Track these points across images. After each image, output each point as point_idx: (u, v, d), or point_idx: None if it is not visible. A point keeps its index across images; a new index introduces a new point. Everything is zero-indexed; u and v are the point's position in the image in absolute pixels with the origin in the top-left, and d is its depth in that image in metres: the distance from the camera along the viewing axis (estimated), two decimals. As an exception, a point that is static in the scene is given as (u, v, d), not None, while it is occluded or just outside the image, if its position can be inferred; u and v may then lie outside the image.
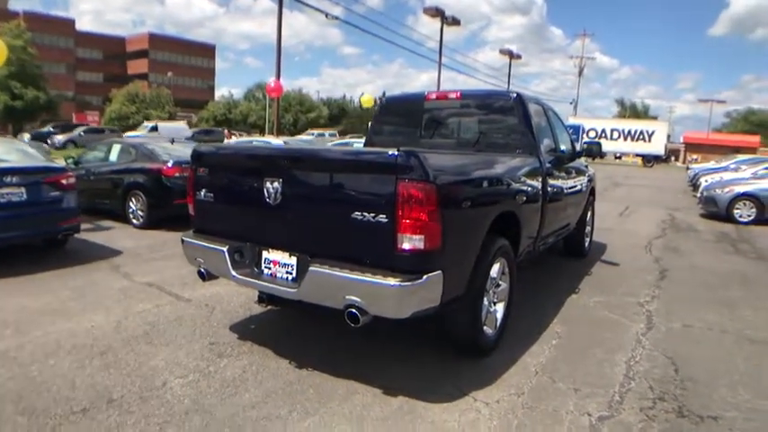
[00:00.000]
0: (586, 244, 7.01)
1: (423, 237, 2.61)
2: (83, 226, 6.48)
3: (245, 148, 3.70)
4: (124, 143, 9.09)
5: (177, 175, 7.89)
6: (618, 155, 43.82)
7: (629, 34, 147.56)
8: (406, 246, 2.63)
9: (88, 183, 8.43)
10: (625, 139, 41.31)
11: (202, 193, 3.48)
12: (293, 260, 3.06)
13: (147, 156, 8.28)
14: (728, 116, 70.43)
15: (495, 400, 3.00)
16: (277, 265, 3.14)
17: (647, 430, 2.81)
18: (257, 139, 17.75)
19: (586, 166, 6.71)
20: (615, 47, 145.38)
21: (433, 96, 5.02)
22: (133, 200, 8.13)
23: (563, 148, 5.58)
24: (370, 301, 2.68)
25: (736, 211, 10.94)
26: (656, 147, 40.87)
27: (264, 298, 3.22)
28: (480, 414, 2.84)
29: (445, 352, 3.62)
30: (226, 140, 27.82)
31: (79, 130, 32.47)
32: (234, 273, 3.22)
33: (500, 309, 3.72)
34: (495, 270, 3.48)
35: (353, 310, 2.70)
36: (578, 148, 6.17)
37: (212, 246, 3.34)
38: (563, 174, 5.33)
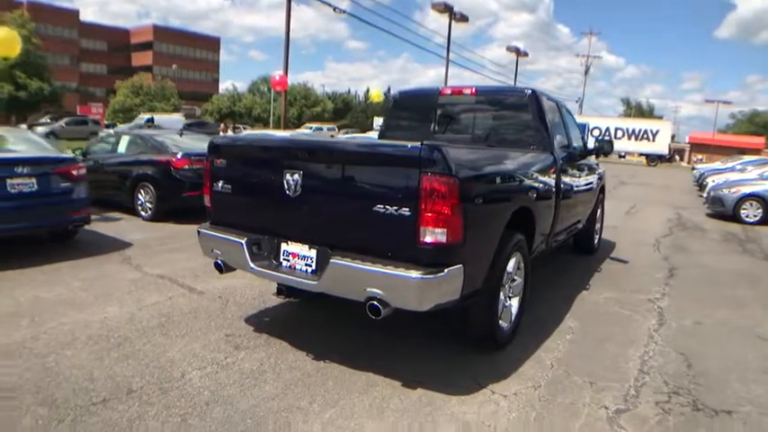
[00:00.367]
0: (596, 241, 7.02)
1: (445, 230, 2.62)
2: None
3: (264, 140, 3.69)
4: (133, 135, 9.09)
5: (186, 167, 7.90)
6: (622, 154, 43.67)
7: (636, 33, 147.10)
8: (429, 239, 2.64)
9: (96, 174, 8.42)
10: (629, 137, 41.15)
11: (220, 185, 3.48)
12: (312, 252, 3.08)
13: (157, 148, 8.29)
14: (733, 117, 70.30)
15: (513, 393, 3.02)
16: (296, 258, 3.15)
17: (663, 423, 2.82)
18: (263, 133, 17.69)
19: (597, 164, 6.70)
20: (621, 46, 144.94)
21: (448, 91, 5.01)
22: (142, 192, 8.14)
23: (575, 144, 5.58)
24: (391, 294, 2.69)
25: (742, 212, 10.92)
26: (660, 146, 40.73)
27: (284, 290, 3.22)
28: (499, 406, 2.86)
29: (460, 346, 3.63)
30: (221, 134, 27.58)
31: (61, 122, 30.25)
32: (252, 265, 3.23)
33: (515, 303, 3.73)
34: (511, 265, 3.49)
35: (375, 303, 2.71)
36: (590, 145, 6.16)
37: (230, 238, 3.35)
38: (575, 171, 5.33)
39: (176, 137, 8.93)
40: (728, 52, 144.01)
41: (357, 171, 2.89)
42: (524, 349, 3.67)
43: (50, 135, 25.48)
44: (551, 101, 5.13)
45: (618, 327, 4.31)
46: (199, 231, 3.66)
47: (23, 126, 27.19)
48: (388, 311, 2.73)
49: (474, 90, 4.85)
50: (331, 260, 2.87)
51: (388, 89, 66.36)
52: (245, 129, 34.41)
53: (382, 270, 2.69)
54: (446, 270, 2.68)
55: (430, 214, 2.60)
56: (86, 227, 6.42)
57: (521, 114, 4.65)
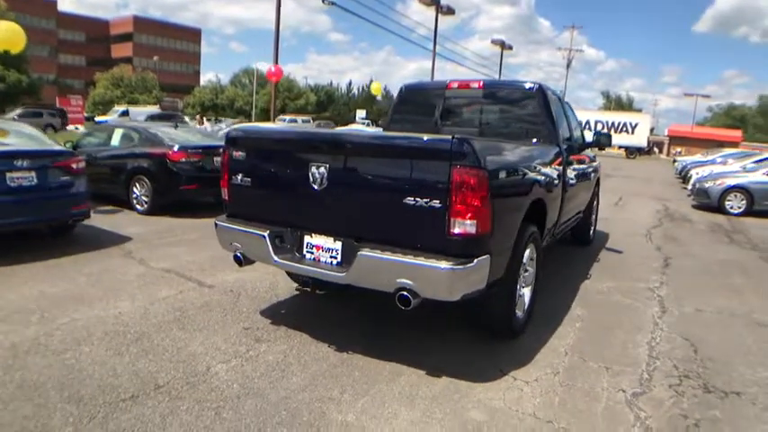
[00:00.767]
0: (591, 232, 7.17)
1: (475, 222, 2.68)
2: (85, 212, 6.37)
3: (288, 131, 3.68)
4: (126, 127, 8.94)
5: (183, 160, 7.82)
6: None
7: (616, 27, 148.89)
8: (459, 230, 2.70)
9: (89, 168, 8.26)
10: (609, 130, 41.77)
11: (239, 178, 3.47)
12: (337, 245, 3.10)
13: (151, 140, 8.18)
14: (710, 111, 71.91)
15: (534, 379, 3.12)
16: (320, 250, 3.17)
17: (678, 405, 2.94)
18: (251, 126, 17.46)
19: (594, 157, 6.84)
20: (602, 39, 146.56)
21: (455, 85, 5.06)
22: (137, 185, 8.03)
23: (576, 137, 5.69)
24: (422, 284, 2.74)
25: (727, 203, 11.24)
26: (640, 139, 41.53)
27: (309, 282, 3.23)
28: (522, 392, 2.95)
29: (476, 335, 3.72)
30: (197, 126, 26.76)
31: (13, 113, 28.03)
32: (276, 258, 3.23)
33: (527, 293, 3.82)
34: (526, 255, 3.57)
35: (405, 293, 2.75)
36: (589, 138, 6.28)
37: (252, 231, 3.35)
38: (577, 163, 5.44)
39: (171, 129, 8.82)
40: (706, 47, 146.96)
41: (386, 164, 2.92)
42: (538, 337, 3.76)
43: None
44: (554, 95, 5.22)
45: (623, 314, 4.44)
46: (216, 224, 3.65)
47: None
48: (417, 302, 2.78)
49: (481, 84, 4.91)
50: (360, 252, 2.90)
51: (371, 81, 66.10)
52: (219, 122, 33.10)
53: (414, 261, 2.73)
54: (475, 261, 2.74)
55: (460, 206, 2.66)
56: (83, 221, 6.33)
57: (528, 108, 4.73)
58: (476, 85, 4.94)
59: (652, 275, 5.81)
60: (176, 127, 9.17)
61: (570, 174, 4.99)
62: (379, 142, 3.06)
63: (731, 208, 11.18)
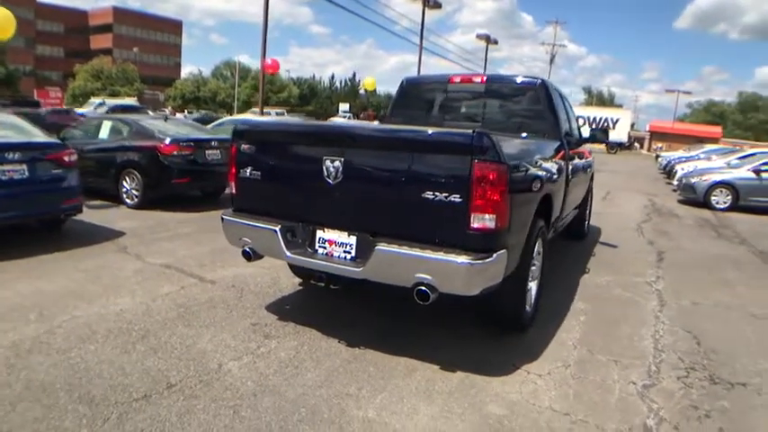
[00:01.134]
0: (586, 226, 7.25)
1: (494, 216, 2.67)
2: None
3: (300, 124, 3.62)
4: (116, 120, 8.74)
5: (176, 153, 7.69)
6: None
7: (598, 23, 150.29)
8: (478, 225, 2.69)
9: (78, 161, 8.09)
10: (590, 125, 42.28)
11: (248, 171, 3.40)
12: (352, 239, 3.07)
13: (142, 133, 8.01)
14: (690, 107, 73.21)
15: (547, 372, 3.14)
16: (333, 245, 3.13)
17: (688, 396, 3.00)
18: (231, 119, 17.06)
19: (590, 152, 6.90)
20: (583, 35, 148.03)
21: (457, 79, 5.04)
22: (127, 179, 7.86)
23: (574, 132, 5.73)
24: (441, 279, 2.73)
25: (713, 198, 11.47)
26: (620, 134, 42.14)
27: (324, 278, 3.18)
28: (537, 385, 2.97)
29: (484, 329, 3.73)
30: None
31: None
32: (288, 253, 3.18)
33: (534, 287, 3.84)
34: (536, 250, 3.58)
35: (423, 288, 2.74)
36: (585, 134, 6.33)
37: (263, 225, 3.29)
38: (576, 157, 5.47)
39: (161, 122, 8.65)
40: (686, 43, 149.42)
41: (404, 158, 2.88)
42: (545, 331, 3.79)
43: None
44: (556, 90, 5.24)
45: (624, 308, 4.50)
46: (223, 218, 3.58)
47: None
48: (435, 297, 2.77)
49: (484, 78, 4.91)
50: (377, 247, 2.87)
51: (353, 74, 65.82)
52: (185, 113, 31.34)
53: (433, 256, 2.72)
54: (494, 255, 2.74)
55: (480, 201, 2.65)
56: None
57: (531, 103, 4.74)
58: (478, 79, 4.93)
59: (648, 269, 5.90)
60: (166, 120, 8.99)
61: (571, 168, 5.02)
62: (397, 136, 3.02)
63: (717, 203, 11.41)
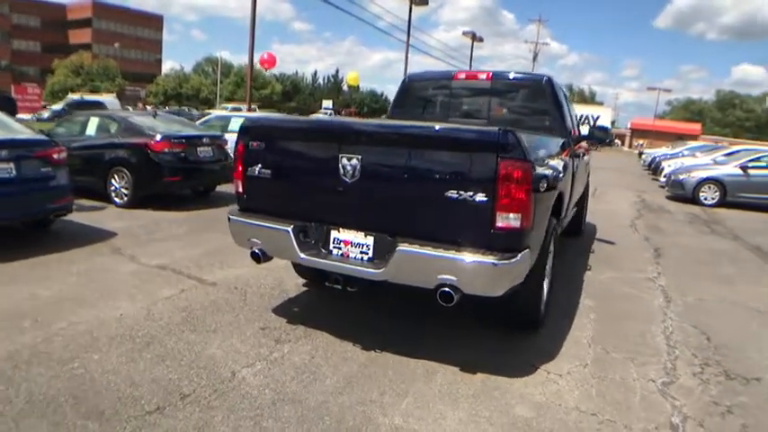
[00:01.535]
0: (583, 223, 7.27)
1: (519, 215, 2.61)
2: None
3: (315, 121, 3.49)
4: (104, 116, 8.48)
5: (167, 150, 7.49)
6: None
7: (579, 21, 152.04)
8: (503, 224, 2.62)
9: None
10: (573, 122, 42.67)
11: (256, 170, 3.27)
12: (369, 240, 2.96)
13: (131, 130, 7.78)
14: (669, 104, 74.46)
15: (567, 372, 3.10)
16: (348, 245, 3.03)
17: (707, 392, 2.99)
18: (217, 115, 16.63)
19: (587, 148, 6.91)
20: (565, 33, 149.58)
21: (462, 76, 4.98)
22: (116, 177, 7.63)
23: (576, 129, 5.72)
24: (466, 280, 2.65)
25: (701, 194, 11.63)
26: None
27: (340, 279, 3.06)
28: (560, 386, 2.92)
29: (496, 329, 3.67)
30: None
31: None
32: (302, 255, 3.07)
33: (545, 285, 3.79)
34: (550, 248, 3.54)
35: (447, 289, 2.66)
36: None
37: (274, 225, 3.17)
38: (577, 155, 5.46)
39: (149, 119, 8.43)
40: (665, 42, 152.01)
41: (425, 156, 2.79)
42: (558, 329, 3.76)
43: None
44: (560, 87, 5.21)
45: (631, 305, 4.50)
46: (230, 218, 3.45)
47: None
48: (458, 298, 2.69)
49: (489, 75, 4.84)
50: (399, 247, 2.77)
51: (336, 71, 65.39)
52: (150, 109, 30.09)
53: (459, 256, 2.64)
54: (519, 255, 2.68)
55: (506, 200, 2.58)
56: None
57: (538, 100, 4.70)
58: (483, 75, 4.87)
59: (648, 266, 5.92)
60: (155, 116, 8.76)
61: (575, 165, 5.00)
62: (418, 133, 2.92)
63: (705, 199, 11.57)
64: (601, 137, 6.32)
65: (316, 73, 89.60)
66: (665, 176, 13.93)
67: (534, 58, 57.81)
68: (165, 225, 6.68)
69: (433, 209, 2.76)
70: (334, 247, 3.09)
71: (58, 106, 24.54)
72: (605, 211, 10.04)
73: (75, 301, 3.93)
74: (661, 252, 6.68)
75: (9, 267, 4.61)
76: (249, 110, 18.97)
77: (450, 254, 2.66)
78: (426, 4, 31.72)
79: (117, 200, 7.65)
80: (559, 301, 4.32)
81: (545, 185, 3.05)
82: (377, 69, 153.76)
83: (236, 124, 10.91)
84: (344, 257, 3.05)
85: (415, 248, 2.73)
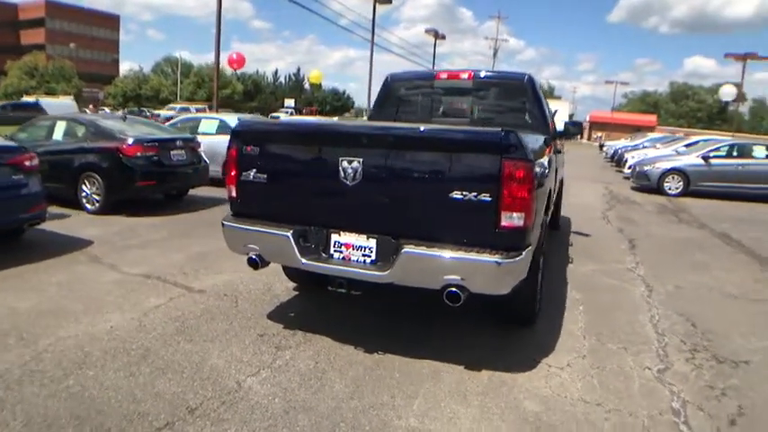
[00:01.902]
0: (559, 216, 7.45)
1: (523, 214, 2.66)
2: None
3: (313, 124, 3.43)
4: (71, 120, 8.14)
5: (139, 154, 7.26)
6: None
7: (535, 16, 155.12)
8: (507, 223, 2.66)
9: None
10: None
11: (251, 174, 3.20)
12: (371, 242, 2.95)
13: (101, 134, 7.50)
14: (626, 97, 76.92)
15: (567, 364, 3.18)
16: (350, 248, 3.01)
17: (702, 377, 3.12)
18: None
19: (563, 144, 7.08)
20: (522, 29, 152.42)
21: (444, 75, 5.01)
22: (87, 183, 7.34)
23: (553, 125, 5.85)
24: (472, 279, 2.68)
25: (666, 185, 12.10)
26: (559, 124, 43.71)
27: (344, 283, 3.03)
28: (563, 378, 2.99)
29: (490, 326, 3.74)
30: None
31: None
32: (303, 260, 3.03)
33: (539, 280, 3.88)
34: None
35: (454, 290, 2.68)
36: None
37: (274, 231, 3.12)
38: (558, 150, 5.59)
39: (119, 122, 8.15)
40: (620, 36, 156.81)
41: (428, 158, 2.80)
42: (551, 323, 3.85)
43: None
44: (540, 85, 5.31)
45: (616, 295, 4.65)
46: (224, 224, 3.37)
47: None
48: (465, 298, 2.72)
49: (471, 74, 4.89)
50: (404, 249, 2.77)
51: (298, 69, 64.76)
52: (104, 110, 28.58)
53: (465, 256, 2.66)
54: (524, 252, 2.73)
55: (510, 199, 2.62)
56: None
57: (519, 98, 4.78)
58: (465, 75, 4.91)
59: (626, 256, 6.12)
60: (125, 119, 8.48)
61: (557, 161, 5.12)
62: (421, 135, 2.93)
63: (669, 189, 12.04)
64: (574, 132, 6.46)
65: (277, 72, 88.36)
66: (629, 168, 14.41)
67: (494, 54, 58.71)
68: (141, 231, 6.48)
69: (436, 210, 2.77)
70: (335, 251, 3.07)
71: None
72: (576, 203, 10.24)
73: (59, 313, 3.77)
74: (635, 243, 6.92)
75: (-17, 280, 4.39)
76: (216, 110, 18.53)
77: (458, 254, 2.68)
78: (390, 2, 31.73)
79: (88, 206, 7.37)
80: (548, 294, 4.42)
81: (541, 183, 3.12)
82: (338, 67, 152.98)
83: (206, 126, 10.66)
84: (346, 261, 3.03)
85: (422, 250, 2.75)
